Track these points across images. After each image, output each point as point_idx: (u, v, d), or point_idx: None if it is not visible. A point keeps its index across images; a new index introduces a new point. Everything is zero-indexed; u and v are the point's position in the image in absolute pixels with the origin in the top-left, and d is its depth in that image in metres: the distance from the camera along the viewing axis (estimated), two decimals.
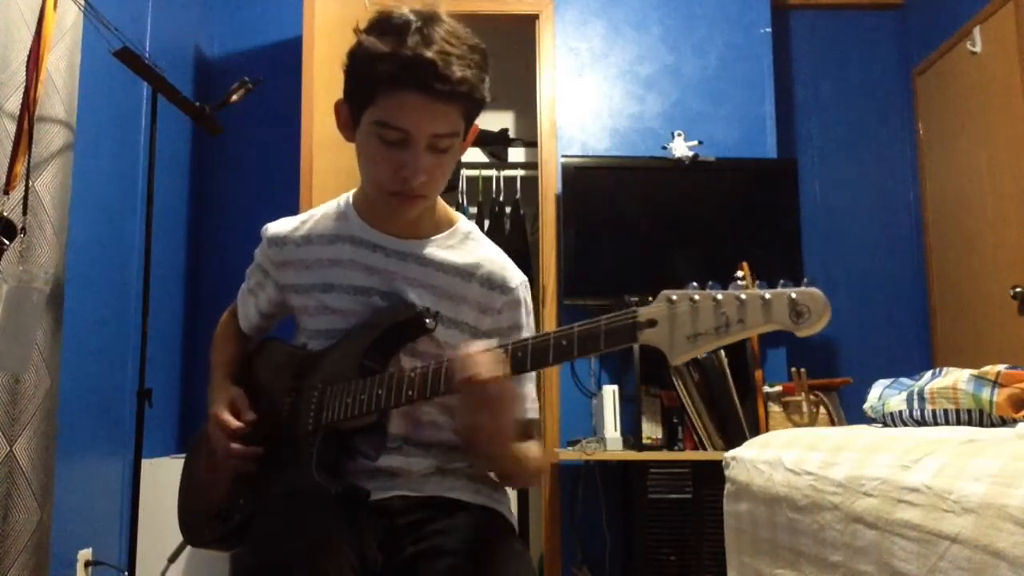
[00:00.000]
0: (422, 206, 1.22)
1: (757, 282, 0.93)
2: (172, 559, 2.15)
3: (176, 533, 1.34)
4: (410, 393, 1.12)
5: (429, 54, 1.07)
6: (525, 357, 1.05)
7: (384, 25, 1.12)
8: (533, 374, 1.32)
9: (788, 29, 3.82)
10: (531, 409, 1.31)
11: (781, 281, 0.92)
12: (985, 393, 1.55)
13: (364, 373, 1.18)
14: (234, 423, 1.23)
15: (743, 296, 0.91)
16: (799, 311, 0.89)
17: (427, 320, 1.19)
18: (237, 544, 1.23)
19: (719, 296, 0.92)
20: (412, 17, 1.11)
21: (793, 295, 0.89)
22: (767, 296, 0.90)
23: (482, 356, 1.06)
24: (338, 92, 1.21)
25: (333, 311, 1.27)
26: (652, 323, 0.96)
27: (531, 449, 1.25)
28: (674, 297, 0.95)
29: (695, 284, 0.96)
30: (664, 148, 3.38)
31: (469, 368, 1.05)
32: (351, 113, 1.19)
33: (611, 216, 3.31)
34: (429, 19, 1.11)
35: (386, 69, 1.09)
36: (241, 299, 1.43)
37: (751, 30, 3.55)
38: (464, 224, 1.32)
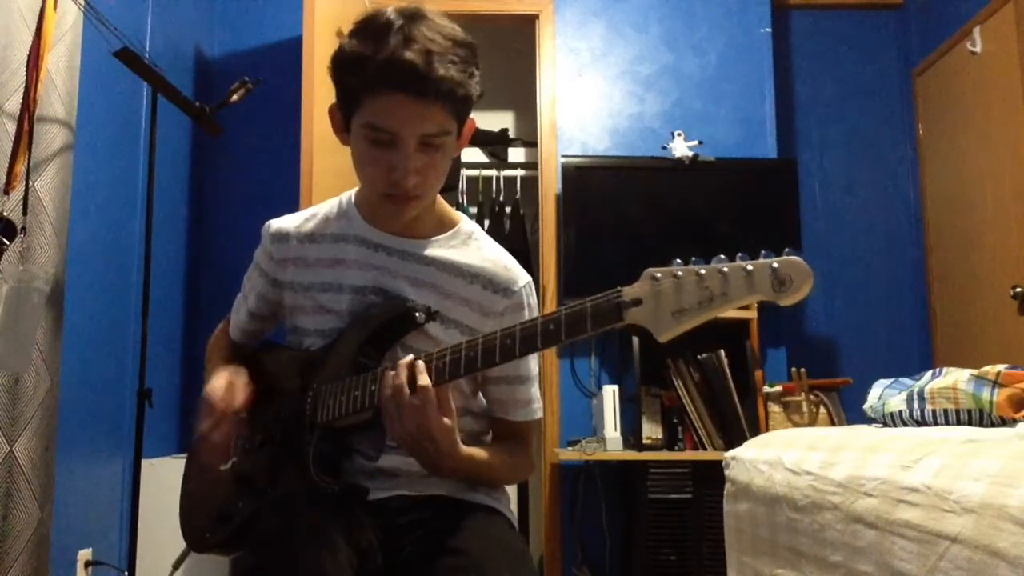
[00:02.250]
0: (418, 207, 1.21)
1: (739, 254, 0.93)
2: (176, 565, 2.15)
3: (176, 533, 1.34)
4: None
5: (409, 55, 1.07)
6: (514, 344, 1.05)
7: (365, 28, 1.12)
8: (536, 374, 1.32)
9: (788, 29, 3.82)
10: (536, 410, 1.31)
11: (763, 252, 0.92)
12: (985, 393, 1.55)
13: (359, 370, 1.17)
14: (221, 403, 1.23)
15: (725, 268, 0.91)
16: (781, 279, 0.89)
17: (417, 315, 1.18)
18: (239, 548, 1.23)
19: (702, 270, 0.92)
20: (394, 17, 1.10)
21: (775, 264, 0.90)
22: (749, 267, 0.90)
23: (400, 372, 1.09)
24: None
25: (329, 311, 1.27)
26: (637, 302, 0.96)
27: (497, 454, 1.25)
28: (658, 275, 0.95)
29: (679, 261, 0.95)
30: (664, 148, 3.38)
31: (385, 383, 1.09)
32: (342, 117, 1.19)
33: (611, 216, 3.31)
34: (412, 17, 1.10)
35: (367, 73, 1.09)
36: (235, 308, 1.44)
37: (751, 30, 3.55)
38: (467, 224, 1.32)
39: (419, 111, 1.10)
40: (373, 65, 1.08)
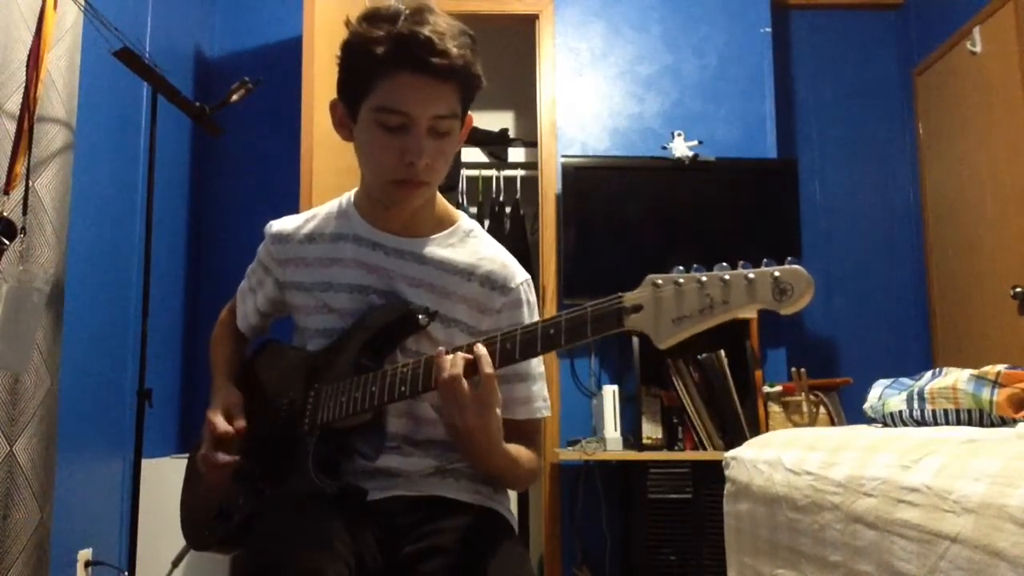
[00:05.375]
0: (423, 194, 1.22)
1: (741, 263, 0.93)
2: (176, 563, 2.14)
3: (176, 533, 1.34)
4: (403, 389, 1.12)
5: (424, 31, 1.10)
6: (514, 348, 1.05)
7: (376, 15, 1.14)
8: (540, 372, 1.31)
9: (788, 29, 3.82)
10: (541, 408, 1.29)
11: (764, 260, 0.92)
12: (985, 393, 1.55)
13: (359, 372, 1.17)
14: (222, 427, 1.22)
15: (727, 277, 0.92)
16: (782, 288, 0.89)
17: (420, 317, 1.19)
18: (238, 546, 1.23)
19: (703, 278, 0.93)
20: (402, 7, 1.14)
21: (776, 273, 0.90)
22: (751, 276, 0.91)
23: (458, 357, 1.07)
24: None
25: (332, 310, 1.27)
26: (638, 308, 0.96)
27: (522, 452, 1.23)
28: (659, 281, 0.95)
29: (681, 268, 0.96)
30: (664, 148, 3.38)
31: (444, 368, 1.07)
32: (347, 108, 1.20)
33: (611, 216, 3.31)
34: (419, 9, 1.14)
35: (383, 51, 1.11)
36: (240, 297, 1.44)
37: (751, 30, 3.55)
38: (466, 222, 1.32)
39: (433, 91, 1.13)
40: (389, 42, 1.11)
